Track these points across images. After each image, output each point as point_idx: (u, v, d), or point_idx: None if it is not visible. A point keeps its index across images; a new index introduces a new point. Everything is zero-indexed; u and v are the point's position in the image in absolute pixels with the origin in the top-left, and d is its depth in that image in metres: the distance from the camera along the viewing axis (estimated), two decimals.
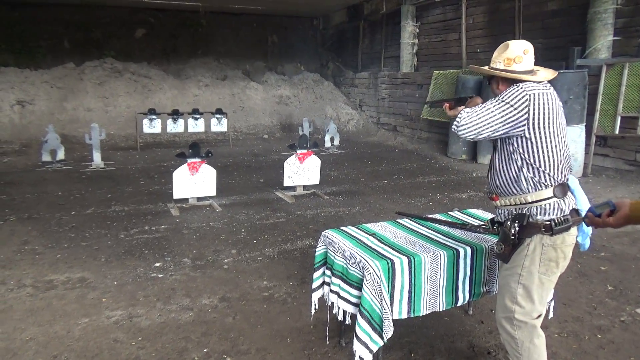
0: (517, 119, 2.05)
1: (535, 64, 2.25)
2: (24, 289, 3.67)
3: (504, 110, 2.06)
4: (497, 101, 2.10)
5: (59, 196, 6.54)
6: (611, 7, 7.34)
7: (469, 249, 2.53)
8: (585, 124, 7.25)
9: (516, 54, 2.17)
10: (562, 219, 2.06)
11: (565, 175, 2.12)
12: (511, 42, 2.21)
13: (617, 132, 7.06)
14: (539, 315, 2.20)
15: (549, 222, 2.05)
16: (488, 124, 2.07)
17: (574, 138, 7.13)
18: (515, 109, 2.04)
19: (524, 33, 9.15)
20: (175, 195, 5.85)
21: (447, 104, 2.51)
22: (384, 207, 6.03)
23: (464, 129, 2.11)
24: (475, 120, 2.09)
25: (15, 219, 5.45)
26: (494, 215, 2.46)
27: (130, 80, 13.02)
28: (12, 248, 4.54)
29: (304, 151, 6.50)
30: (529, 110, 2.03)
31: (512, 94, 2.07)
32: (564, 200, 2.10)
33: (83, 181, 7.54)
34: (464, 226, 2.79)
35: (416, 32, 12.28)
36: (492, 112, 2.07)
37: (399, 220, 3.06)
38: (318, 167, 6.66)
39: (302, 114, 14.01)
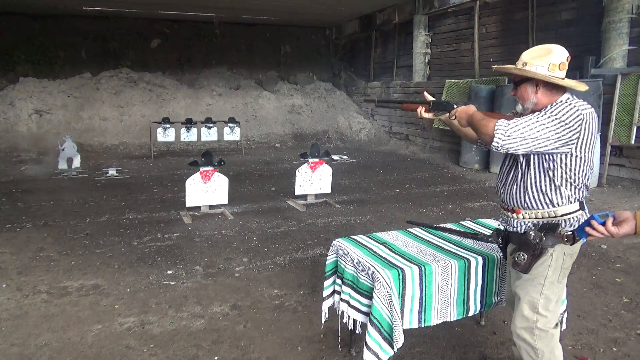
0: (569, 137, 1.98)
1: None
2: (39, 295, 3.73)
3: (558, 128, 1.96)
4: (548, 117, 1.97)
5: (74, 204, 6.63)
6: (626, 16, 7.28)
7: (480, 259, 2.51)
8: (600, 133, 7.17)
9: (561, 61, 2.05)
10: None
11: (588, 190, 2.16)
12: (553, 47, 2.08)
13: (633, 142, 6.97)
14: (557, 324, 2.21)
15: (571, 232, 2.00)
16: (541, 138, 1.95)
17: None
18: (569, 128, 1.96)
19: (537, 42, 9.06)
20: (188, 203, 5.90)
21: (423, 107, 2.42)
22: (396, 216, 6.01)
23: (512, 142, 1.95)
24: (526, 133, 1.94)
25: (31, 226, 5.54)
26: (498, 226, 2.43)
27: (145, 89, 13.21)
28: (28, 254, 4.62)
29: (316, 160, 6.52)
30: (581, 129, 1.98)
31: (565, 112, 1.97)
32: (584, 213, 2.14)
33: (98, 189, 7.64)
34: (475, 236, 2.78)
35: (429, 42, 12.29)
36: (547, 127, 1.95)
37: (410, 230, 3.06)
38: (329, 176, 6.68)
39: (315, 123, 14.08)
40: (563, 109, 1.98)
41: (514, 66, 2.16)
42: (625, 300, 3.62)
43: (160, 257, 4.58)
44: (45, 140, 11.29)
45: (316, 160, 6.52)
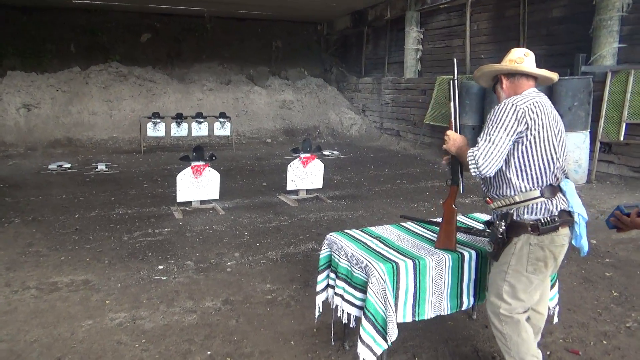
0: (520, 132, 2.12)
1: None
2: (28, 291, 3.68)
3: (508, 134, 2.11)
4: (494, 129, 2.13)
5: (63, 199, 6.56)
6: (616, 14, 7.34)
7: (474, 253, 2.52)
8: (590, 130, 7.23)
9: (517, 56, 2.30)
10: (549, 218, 2.12)
11: (557, 178, 2.18)
12: (514, 49, 2.37)
13: (622, 138, 7.04)
14: (525, 311, 2.27)
15: (535, 222, 2.12)
16: (500, 152, 2.12)
17: (578, 144, 7.12)
18: (513, 125, 2.11)
19: (528, 39, 9.15)
20: (179, 199, 5.86)
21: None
22: (387, 211, 6.02)
23: (483, 167, 2.13)
24: (487, 155, 2.12)
25: (19, 222, 5.47)
26: (489, 218, 2.49)
27: (134, 84, 13.09)
28: (17, 250, 4.55)
29: (308, 155, 6.51)
30: (527, 121, 2.10)
31: (504, 114, 2.13)
32: (551, 201, 2.15)
33: (87, 184, 7.56)
34: (468, 230, 2.79)
35: (420, 38, 12.31)
36: (498, 139, 2.12)
37: (403, 224, 3.06)
38: (321, 171, 6.67)
39: (306, 119, 14.05)
40: (501, 113, 2.15)
41: (482, 66, 2.43)
42: (615, 294, 3.66)
43: (151, 252, 4.55)
44: (33, 135, 11.15)
45: (308, 155, 6.51)
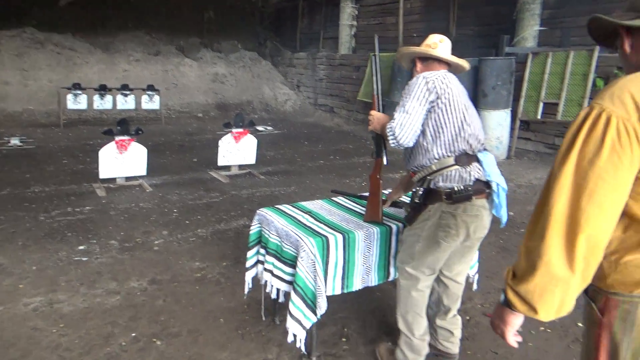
0: (432, 101, 2.22)
1: (465, 52, 2.44)
2: None
3: (421, 103, 2.22)
4: (408, 100, 2.23)
5: None
6: None
7: (401, 226, 2.58)
8: (511, 109, 7.62)
9: (433, 41, 2.42)
10: (463, 187, 2.18)
11: (470, 146, 2.23)
12: (432, 34, 2.46)
13: (539, 117, 7.48)
14: (431, 274, 2.36)
15: (449, 190, 2.18)
16: (415, 121, 2.22)
17: (500, 122, 7.49)
18: (424, 95, 2.21)
19: (458, 20, 9.41)
20: (102, 175, 5.54)
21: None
22: (320, 186, 6.05)
23: (402, 138, 2.23)
24: (404, 127, 2.22)
25: None
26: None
27: (52, 52, 12.11)
28: None
29: (240, 130, 6.36)
30: (437, 90, 2.21)
31: (415, 87, 2.24)
32: (466, 169, 2.20)
33: None
34: (396, 203, 2.85)
35: (355, 14, 12.31)
36: (414, 108, 2.22)
37: (334, 199, 3.08)
38: (254, 147, 6.56)
39: (239, 93, 13.72)
40: (414, 86, 2.25)
41: (401, 48, 2.55)
42: None
43: (70, 232, 4.28)
44: None
45: (240, 130, 6.37)
